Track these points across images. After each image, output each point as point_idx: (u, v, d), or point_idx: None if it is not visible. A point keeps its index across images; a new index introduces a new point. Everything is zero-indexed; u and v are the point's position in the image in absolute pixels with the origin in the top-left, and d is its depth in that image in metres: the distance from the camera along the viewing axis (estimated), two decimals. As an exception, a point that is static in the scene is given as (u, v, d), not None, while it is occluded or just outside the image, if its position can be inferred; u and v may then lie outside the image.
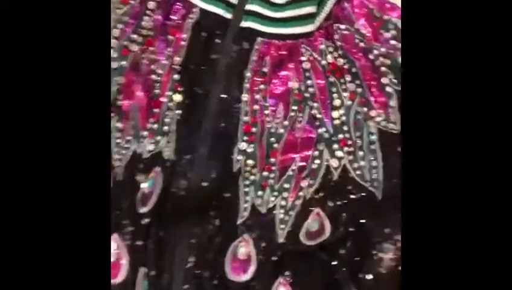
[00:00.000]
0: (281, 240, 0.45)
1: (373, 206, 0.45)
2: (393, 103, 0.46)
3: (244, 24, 0.49)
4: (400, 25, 0.47)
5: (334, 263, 0.45)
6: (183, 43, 0.49)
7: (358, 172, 0.46)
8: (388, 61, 0.47)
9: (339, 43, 0.48)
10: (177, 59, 0.48)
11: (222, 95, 0.48)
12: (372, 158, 0.46)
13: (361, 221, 0.45)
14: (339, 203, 0.45)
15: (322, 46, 0.48)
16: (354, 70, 0.47)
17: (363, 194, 0.45)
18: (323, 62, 0.48)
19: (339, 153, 0.46)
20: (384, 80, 0.47)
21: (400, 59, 0.46)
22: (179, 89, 0.48)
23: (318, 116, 0.47)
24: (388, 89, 0.47)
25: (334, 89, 0.47)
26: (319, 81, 0.48)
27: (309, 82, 0.48)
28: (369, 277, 0.44)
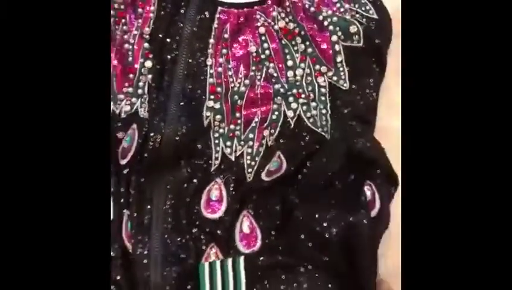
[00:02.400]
0: (247, 181, 0.51)
1: (323, 146, 0.52)
2: (340, 58, 0.54)
3: (205, -4, 0.55)
4: None
5: (289, 193, 0.51)
6: (151, 14, 0.55)
7: (311, 120, 0.53)
8: (335, 20, 0.54)
9: (289, 10, 0.55)
10: (147, 29, 0.54)
11: (188, 60, 0.54)
12: (322, 107, 0.53)
13: (314, 159, 0.52)
14: (295, 146, 0.52)
15: (274, 13, 0.55)
16: (303, 33, 0.54)
17: (315, 136, 0.52)
18: (276, 27, 0.55)
19: (294, 105, 0.53)
20: (334, 38, 0.54)
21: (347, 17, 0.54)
22: (149, 56, 0.54)
23: (274, 74, 0.54)
24: (336, 46, 0.54)
25: (287, 50, 0.54)
26: (273, 44, 0.54)
27: (265, 45, 0.54)
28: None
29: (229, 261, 0.49)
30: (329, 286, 0.49)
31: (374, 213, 0.50)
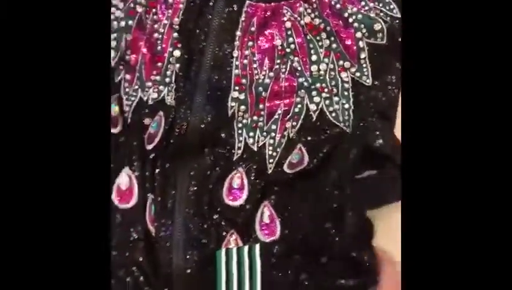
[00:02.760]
0: (269, 171, 0.53)
1: (344, 141, 0.53)
2: (363, 54, 0.55)
3: (234, -11, 0.57)
4: None
5: (310, 187, 0.53)
6: (181, 5, 0.56)
7: (333, 114, 0.54)
8: (360, 18, 0.55)
9: (315, 6, 0.56)
10: (176, 19, 0.56)
11: (215, 51, 0.55)
12: (345, 102, 0.54)
13: (335, 153, 0.53)
14: (316, 139, 0.53)
15: (301, 8, 0.56)
16: (328, 28, 0.55)
17: (336, 131, 0.53)
18: (302, 22, 0.56)
19: (317, 99, 0.54)
20: (358, 35, 0.55)
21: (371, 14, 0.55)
22: (178, 45, 0.55)
23: (298, 68, 0.55)
24: (360, 43, 0.55)
25: (311, 45, 0.55)
26: (298, 39, 0.56)
27: (290, 39, 0.55)
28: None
29: (246, 248, 0.50)
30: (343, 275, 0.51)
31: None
